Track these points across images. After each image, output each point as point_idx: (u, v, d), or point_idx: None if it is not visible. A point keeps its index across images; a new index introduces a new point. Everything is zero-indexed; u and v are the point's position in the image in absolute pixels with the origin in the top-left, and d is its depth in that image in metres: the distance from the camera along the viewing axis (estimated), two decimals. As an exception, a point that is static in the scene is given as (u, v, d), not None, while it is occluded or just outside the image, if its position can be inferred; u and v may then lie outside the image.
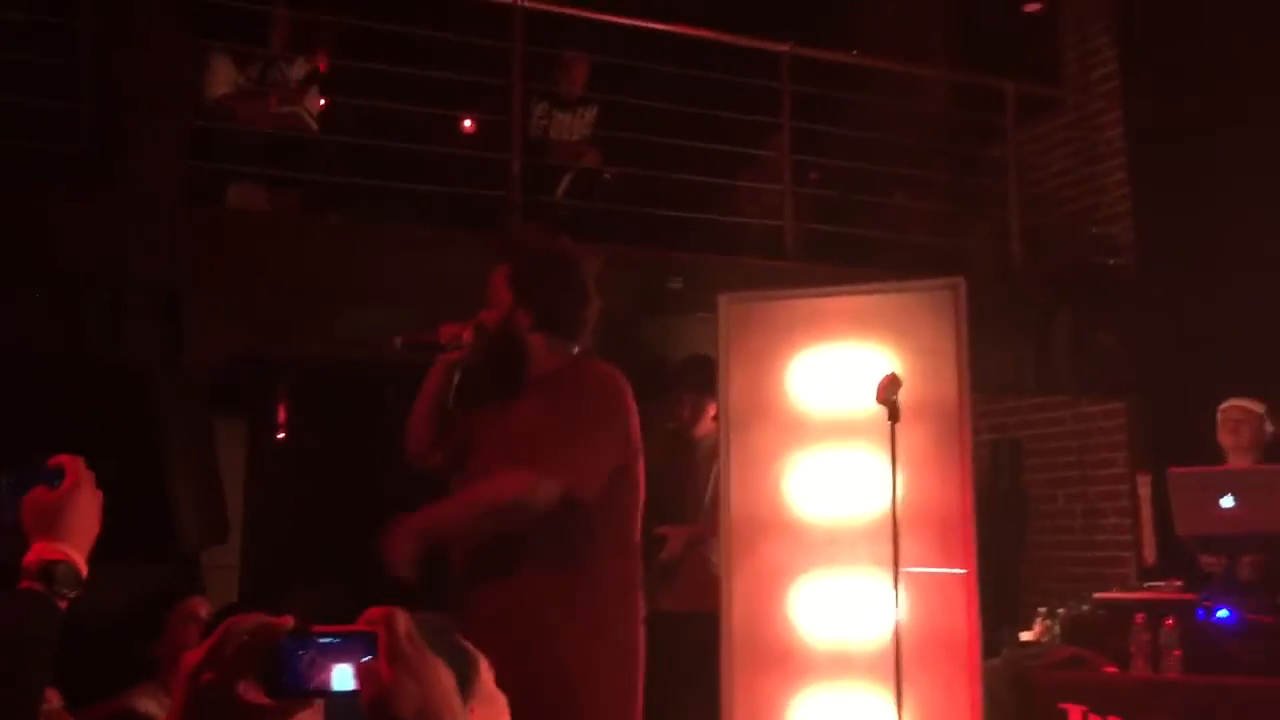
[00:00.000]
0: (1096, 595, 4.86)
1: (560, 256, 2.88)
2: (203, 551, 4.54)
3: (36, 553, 1.55)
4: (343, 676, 1.21)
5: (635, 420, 2.83)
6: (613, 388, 2.81)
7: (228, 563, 4.68)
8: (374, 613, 1.22)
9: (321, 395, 6.41)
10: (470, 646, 1.60)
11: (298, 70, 5.38)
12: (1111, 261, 6.64)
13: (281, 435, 6.95)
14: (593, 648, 2.73)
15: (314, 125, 5.57)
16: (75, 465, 1.63)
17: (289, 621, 1.23)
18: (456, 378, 2.95)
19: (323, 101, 5.78)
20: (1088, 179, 7.10)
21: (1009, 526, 6.88)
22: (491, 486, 2.76)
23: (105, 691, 3.20)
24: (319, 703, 1.22)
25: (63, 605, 1.54)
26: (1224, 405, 4.85)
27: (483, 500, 2.77)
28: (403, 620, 1.20)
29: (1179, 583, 4.57)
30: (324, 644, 1.21)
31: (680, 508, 4.45)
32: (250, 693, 1.20)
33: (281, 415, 6.92)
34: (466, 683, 1.58)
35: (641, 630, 2.85)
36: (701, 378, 4.39)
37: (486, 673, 1.61)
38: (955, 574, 3.86)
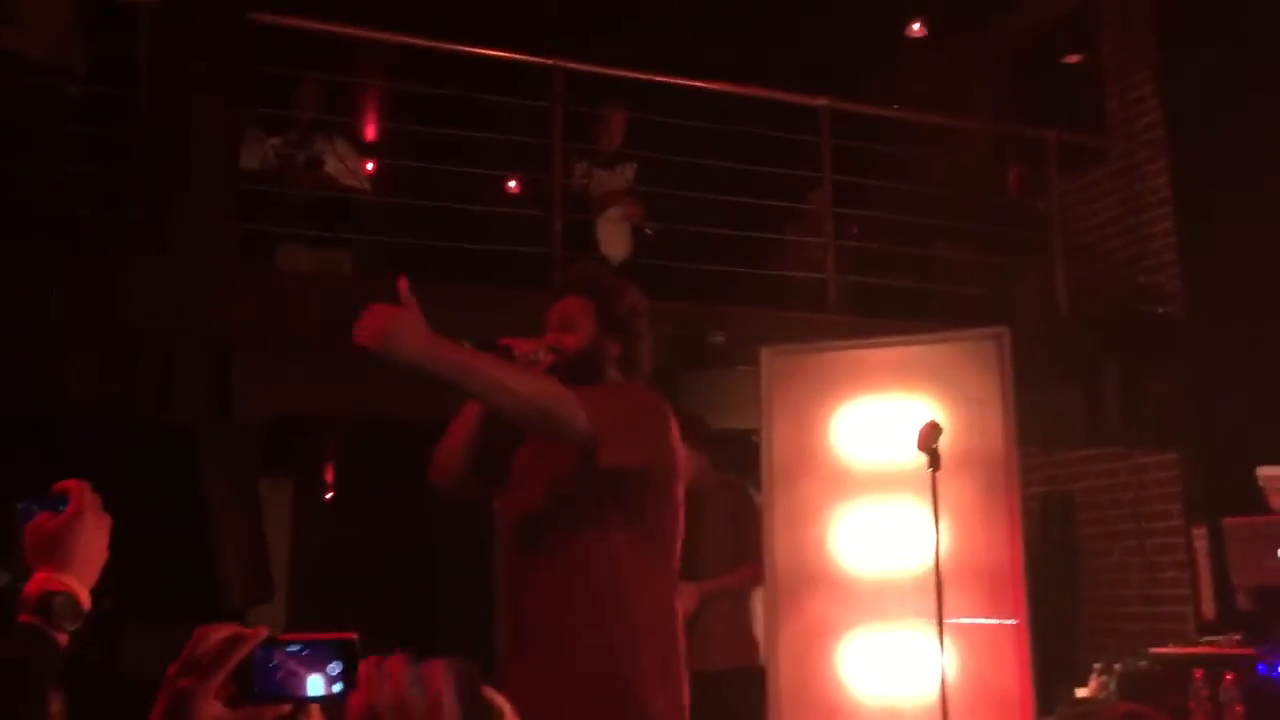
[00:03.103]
0: (1154, 650, 4.74)
1: (642, 303, 2.98)
2: (249, 610, 4.55)
3: (37, 583, 1.49)
4: (314, 683, 1.24)
5: (678, 443, 2.83)
6: (657, 403, 2.84)
7: (273, 621, 4.68)
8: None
9: (368, 454, 6.45)
10: (494, 698, 1.59)
11: (325, 144, 5.48)
12: (1160, 310, 6.56)
13: (329, 495, 7.01)
14: (622, 655, 2.68)
15: (365, 186, 5.68)
16: (80, 491, 1.57)
17: (262, 631, 1.24)
18: None
19: (370, 166, 5.89)
20: (1134, 228, 7.04)
21: (1061, 581, 6.75)
22: (524, 371, 2.69)
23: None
24: (286, 708, 1.25)
25: (62, 638, 1.48)
26: (1262, 472, 4.73)
27: (508, 373, 2.62)
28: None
29: (1238, 637, 4.46)
30: (294, 652, 1.25)
31: (695, 564, 4.39)
32: (223, 698, 1.21)
33: (329, 474, 6.98)
34: None
35: (682, 659, 2.80)
36: (694, 437, 4.28)
37: None
38: (1006, 628, 3.80)
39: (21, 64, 4.55)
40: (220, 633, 1.24)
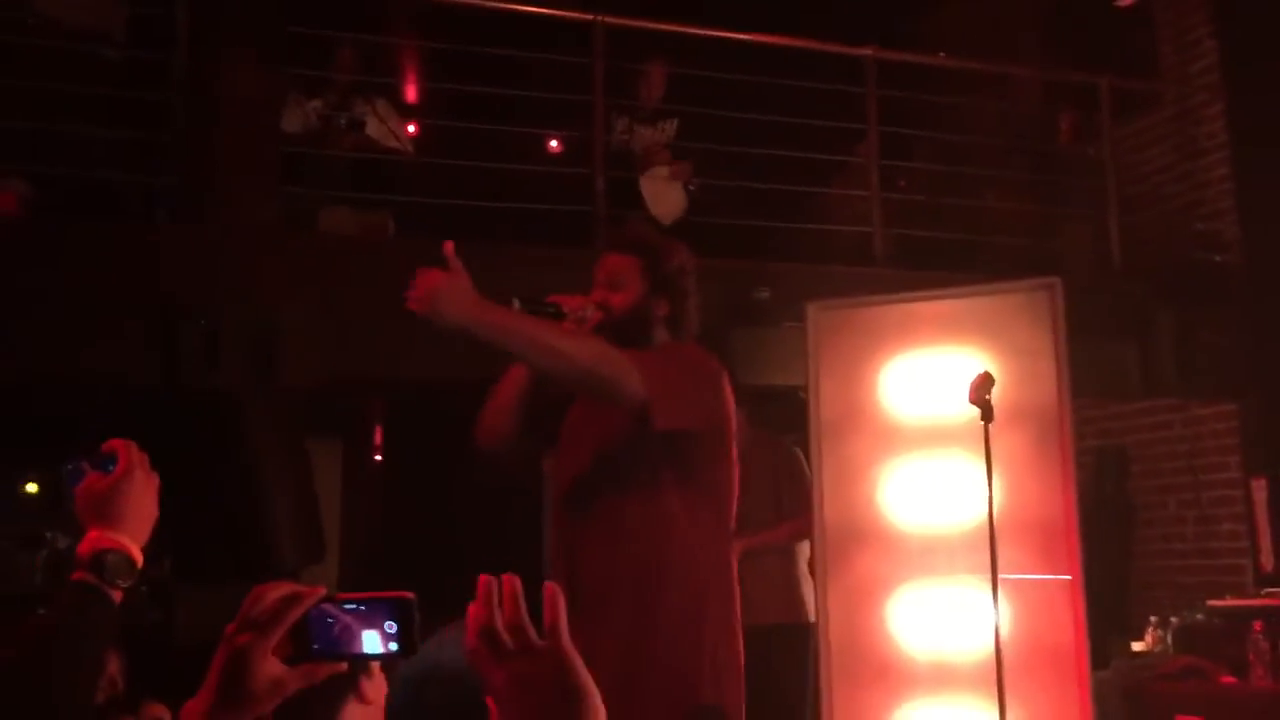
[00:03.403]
0: (1211, 603, 4.68)
1: (691, 262, 2.95)
2: (300, 571, 4.60)
3: (89, 542, 1.50)
4: (370, 641, 1.25)
5: (732, 402, 2.80)
6: (709, 362, 2.83)
7: (325, 582, 4.72)
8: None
9: (416, 416, 6.48)
10: None
11: (366, 106, 5.45)
12: (1217, 258, 6.42)
13: (378, 457, 7.05)
14: (681, 614, 2.67)
15: (407, 147, 5.66)
16: (128, 450, 1.56)
17: (320, 590, 1.25)
18: None
19: (412, 128, 5.87)
20: (1189, 174, 6.88)
21: (1115, 535, 6.67)
22: (575, 335, 2.67)
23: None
24: (344, 666, 1.27)
25: (117, 595, 1.49)
26: None
27: (558, 337, 2.59)
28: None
29: (1299, 589, 4.39)
30: (351, 610, 1.25)
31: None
32: (279, 653, 1.22)
33: (377, 436, 7.02)
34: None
35: (737, 618, 2.78)
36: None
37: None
38: (1060, 583, 3.74)
39: (60, 30, 4.56)
40: (278, 591, 1.25)
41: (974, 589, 3.88)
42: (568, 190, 5.45)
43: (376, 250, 5.08)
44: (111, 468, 1.56)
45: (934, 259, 5.78)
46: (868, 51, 5.90)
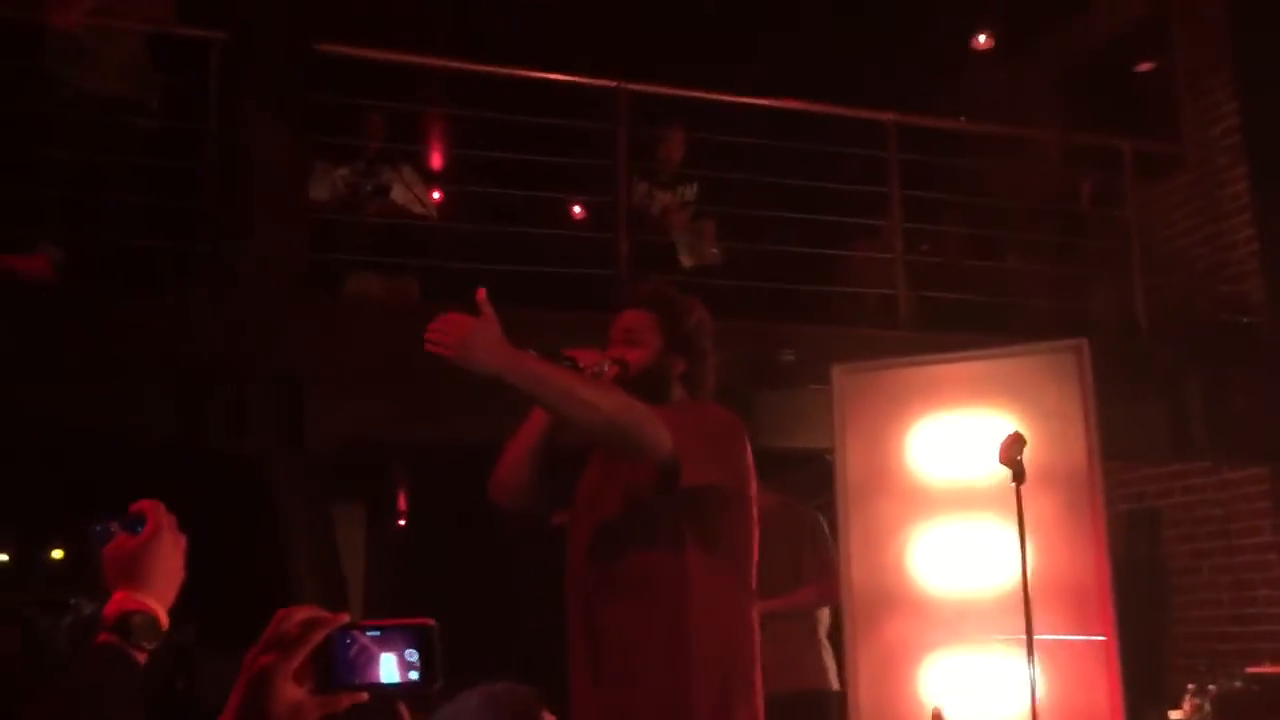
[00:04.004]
0: (1249, 670, 4.58)
1: (706, 319, 2.92)
2: (324, 637, 4.57)
3: (116, 604, 1.49)
4: (389, 669, 1.24)
5: (751, 465, 2.77)
6: (730, 420, 2.78)
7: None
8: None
9: (440, 478, 6.47)
10: None
11: (392, 173, 5.52)
12: (1245, 320, 6.38)
13: (402, 521, 7.04)
14: (706, 677, 2.61)
15: (432, 213, 5.72)
16: (156, 511, 1.56)
17: (343, 616, 1.24)
18: None
19: (437, 195, 5.94)
20: (1214, 236, 6.86)
21: (1149, 601, 6.56)
22: (605, 387, 2.63)
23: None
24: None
25: (141, 657, 1.47)
26: None
27: (588, 387, 2.55)
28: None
29: (1339, 655, 4.29)
30: (373, 636, 1.25)
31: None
32: (301, 681, 1.21)
33: (401, 502, 7.01)
34: None
35: (759, 682, 2.73)
36: None
37: None
38: (1094, 645, 3.69)
39: (95, 101, 4.65)
40: (301, 614, 1.25)
41: (1006, 655, 3.82)
42: (591, 254, 5.48)
43: (402, 315, 5.10)
44: (140, 529, 1.55)
45: (959, 321, 5.77)
46: (889, 116, 5.94)
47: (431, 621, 1.26)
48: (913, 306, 5.83)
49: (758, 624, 2.78)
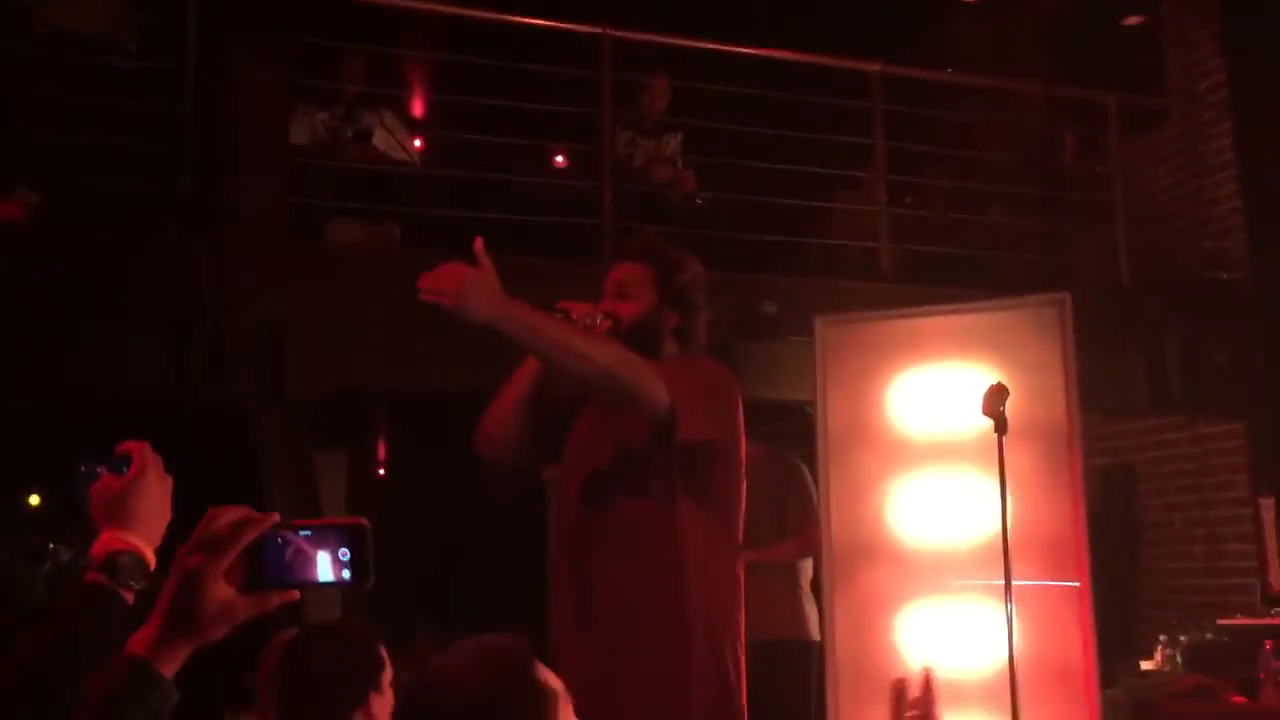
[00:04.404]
0: (1221, 621, 4.65)
1: (700, 274, 2.91)
2: (305, 584, 4.58)
3: (103, 543, 1.49)
4: (324, 567, 1.23)
5: (742, 420, 2.78)
6: (723, 374, 2.79)
7: (329, 595, 4.70)
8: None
9: (421, 426, 6.46)
10: (549, 681, 1.55)
11: (374, 117, 5.46)
12: (1225, 276, 6.41)
13: (381, 470, 7.03)
14: (692, 626, 2.62)
15: (414, 159, 5.66)
16: (141, 451, 1.55)
17: (274, 516, 1.23)
18: None
19: (419, 142, 5.87)
20: (1197, 192, 6.87)
21: (1123, 553, 6.64)
22: (601, 339, 2.63)
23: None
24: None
25: (129, 597, 1.47)
26: None
27: (585, 339, 2.56)
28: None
29: (1309, 608, 4.36)
30: (305, 536, 1.24)
31: None
32: (232, 580, 1.21)
33: (381, 450, 7.00)
34: (544, 718, 1.53)
35: (741, 632, 2.75)
36: None
37: (565, 707, 1.56)
38: (1068, 593, 3.74)
39: (73, 40, 4.57)
40: (231, 514, 1.24)
41: (981, 605, 3.86)
42: (574, 203, 5.44)
43: (382, 261, 5.07)
44: (126, 469, 1.55)
45: (941, 274, 5.77)
46: (875, 66, 5.90)
47: (364, 521, 1.25)
48: (896, 259, 5.83)
49: (743, 575, 2.79)
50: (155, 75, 4.72)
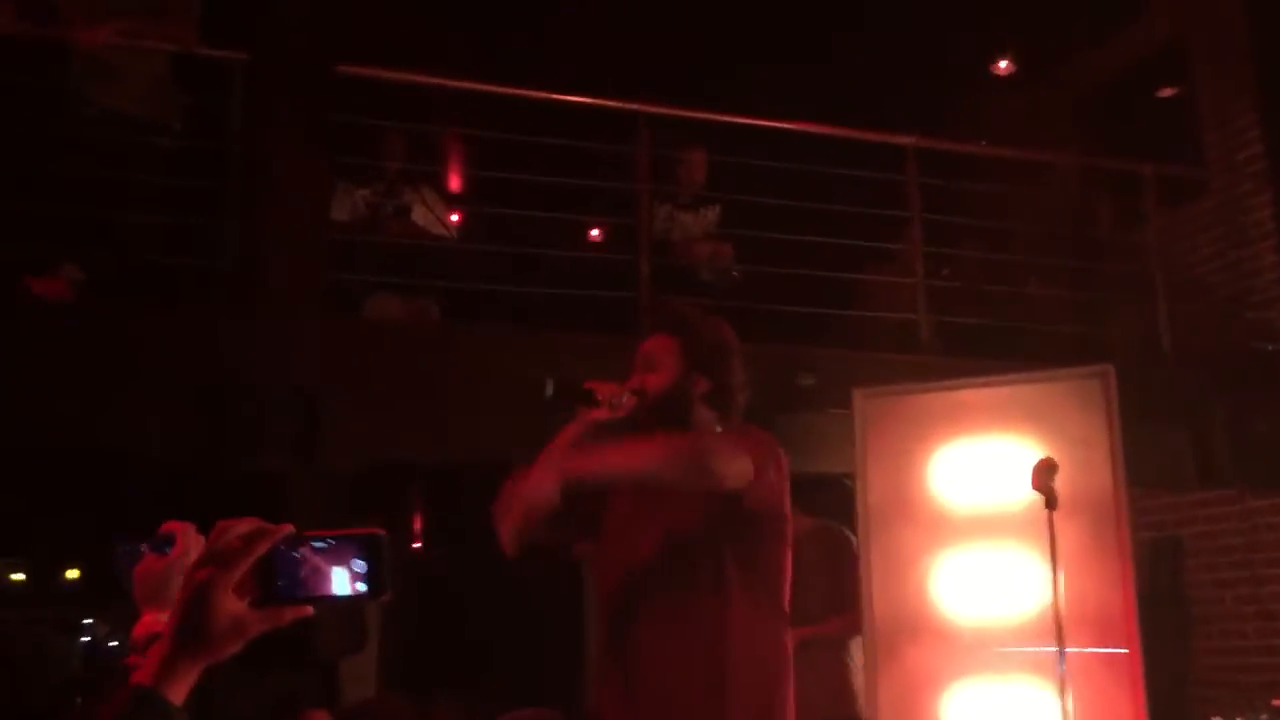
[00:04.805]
0: (1276, 702, 4.51)
1: (730, 337, 2.89)
2: (341, 660, 4.54)
3: (144, 626, 1.48)
4: (339, 581, 1.18)
5: (786, 485, 2.74)
6: (776, 444, 2.76)
7: (365, 672, 4.67)
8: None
9: (457, 502, 6.44)
10: None
11: (413, 194, 5.52)
12: (1270, 347, 6.32)
13: (418, 544, 7.00)
14: (745, 702, 2.58)
15: (452, 234, 5.71)
16: (185, 532, 1.55)
17: (287, 528, 1.18)
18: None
19: (455, 217, 5.93)
20: (1238, 263, 6.81)
21: (1171, 632, 6.48)
22: (666, 441, 2.61)
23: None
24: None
25: None
26: None
27: (651, 452, 2.57)
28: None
29: (1369, 688, 4.22)
30: (320, 549, 1.19)
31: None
32: (244, 595, 1.16)
33: (416, 524, 6.98)
34: None
35: (792, 707, 2.69)
36: None
37: None
38: (1118, 668, 3.66)
39: (119, 120, 4.66)
40: (242, 526, 1.20)
41: (1029, 684, 3.76)
42: (611, 278, 5.46)
43: (421, 336, 5.10)
44: (168, 549, 1.54)
45: (979, 346, 5.72)
46: (909, 140, 5.92)
47: (381, 531, 1.21)
48: (933, 331, 5.79)
49: (792, 651, 2.74)
50: (199, 154, 4.80)
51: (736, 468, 2.55)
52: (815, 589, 4.28)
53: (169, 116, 4.87)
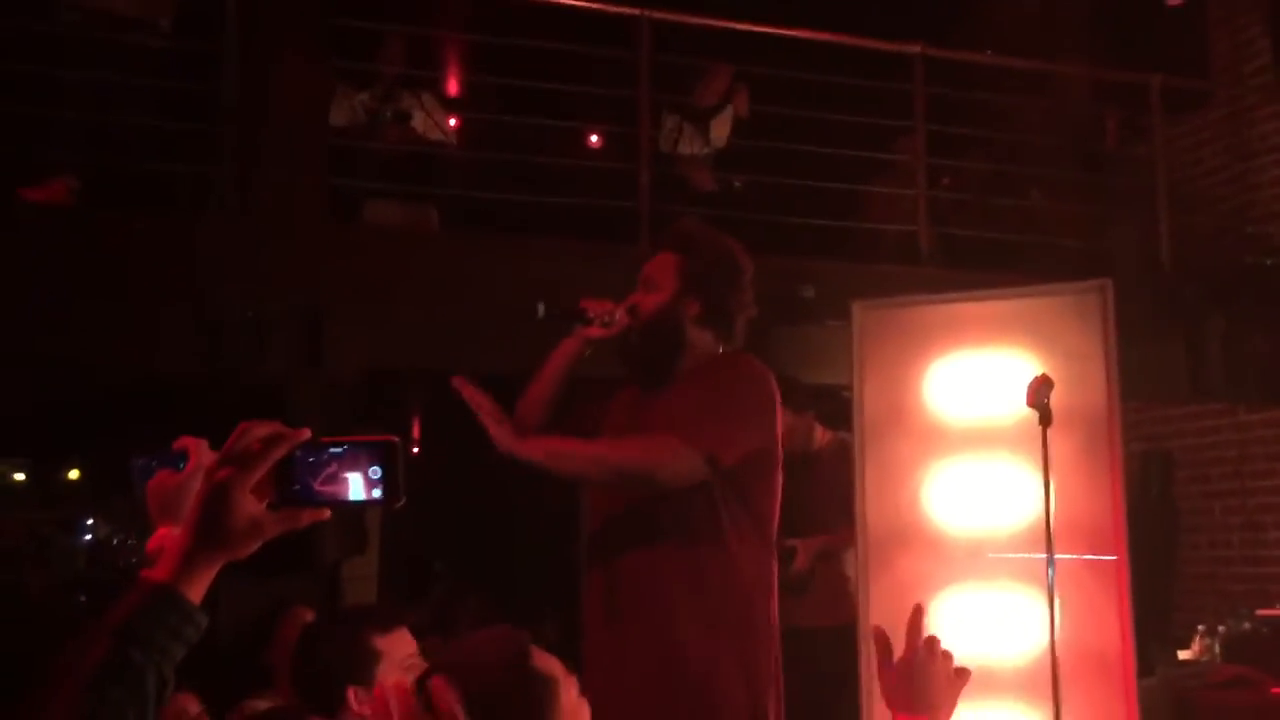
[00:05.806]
0: (1260, 612, 4.60)
1: (734, 256, 2.83)
2: (343, 563, 4.61)
3: (158, 539, 1.49)
4: (355, 486, 1.20)
5: (779, 415, 2.75)
6: (763, 378, 2.72)
7: (366, 574, 4.74)
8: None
9: (455, 408, 6.48)
10: (547, 668, 1.62)
11: (413, 99, 5.45)
12: (1269, 262, 6.32)
13: (415, 449, 7.06)
14: (722, 625, 2.63)
15: (451, 140, 5.66)
16: (199, 447, 1.55)
17: (305, 433, 1.20)
18: (587, 354, 2.86)
19: (453, 121, 5.87)
20: (1241, 176, 6.77)
21: (1160, 542, 6.58)
22: (630, 449, 2.64)
23: (238, 697, 3.25)
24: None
25: None
26: None
27: (615, 459, 2.62)
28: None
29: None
30: (335, 453, 1.21)
31: (808, 522, 4.32)
32: (261, 496, 1.18)
33: (415, 430, 7.03)
34: (545, 707, 1.60)
35: (775, 626, 2.74)
36: (794, 399, 4.15)
37: (567, 689, 1.63)
38: (1105, 576, 3.71)
39: (106, 19, 4.58)
40: (262, 429, 1.21)
41: (1018, 592, 3.83)
42: (611, 185, 5.43)
43: (420, 243, 5.09)
44: (182, 465, 1.55)
45: (980, 258, 5.72)
46: (915, 48, 5.85)
47: (395, 438, 1.23)
48: (934, 243, 5.78)
49: (776, 572, 2.78)
50: (193, 57, 4.73)
51: (684, 471, 2.56)
52: (834, 502, 4.34)
53: (158, 15, 4.77)
